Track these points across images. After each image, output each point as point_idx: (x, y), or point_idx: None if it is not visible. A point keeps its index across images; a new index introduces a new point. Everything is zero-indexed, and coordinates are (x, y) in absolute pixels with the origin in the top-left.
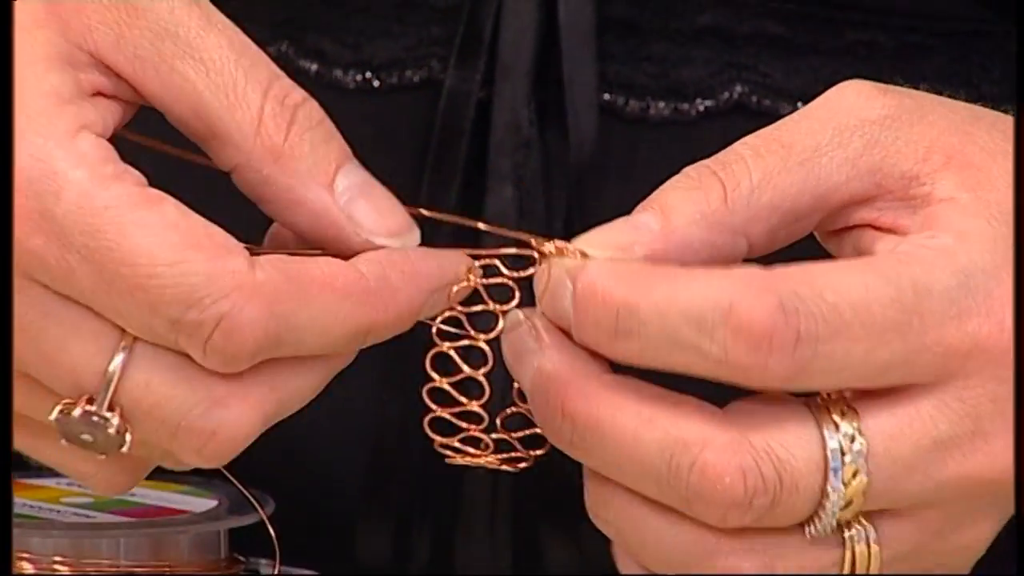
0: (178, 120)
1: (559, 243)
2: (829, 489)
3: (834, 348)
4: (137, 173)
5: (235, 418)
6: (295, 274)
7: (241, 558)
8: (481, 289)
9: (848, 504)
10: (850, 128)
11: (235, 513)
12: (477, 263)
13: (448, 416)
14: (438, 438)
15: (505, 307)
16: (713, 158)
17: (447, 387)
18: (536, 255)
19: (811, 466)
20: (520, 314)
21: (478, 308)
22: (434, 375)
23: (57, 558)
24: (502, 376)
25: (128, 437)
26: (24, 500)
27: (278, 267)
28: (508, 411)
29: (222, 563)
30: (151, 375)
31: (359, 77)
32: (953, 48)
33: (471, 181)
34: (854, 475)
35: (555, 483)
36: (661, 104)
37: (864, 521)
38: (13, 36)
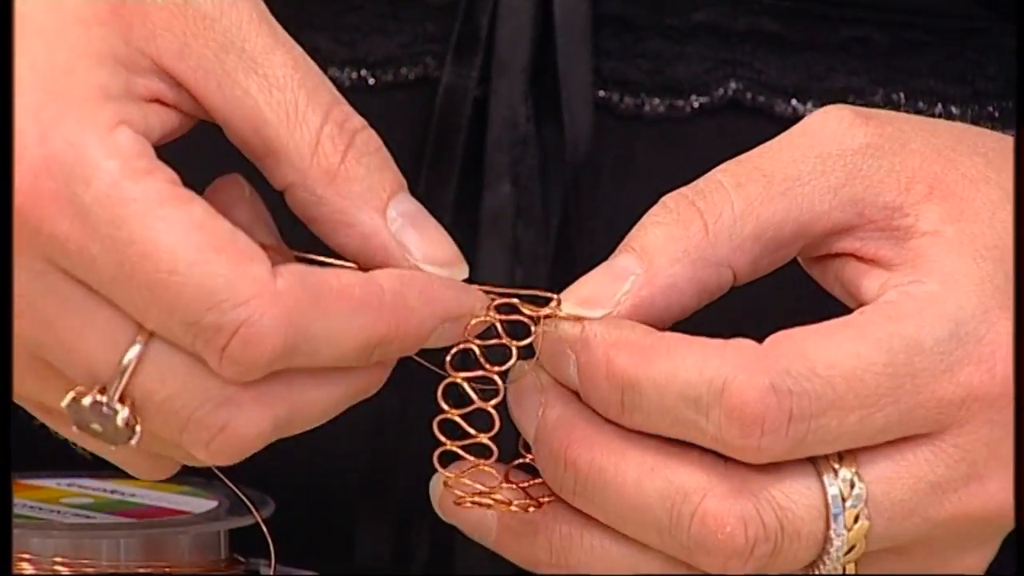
0: (236, 135)
1: (549, 307)
2: (832, 535)
3: (828, 421)
4: (170, 171)
5: (245, 416)
6: (313, 284)
7: (241, 559)
8: (498, 325)
9: (851, 549)
10: (832, 157)
11: (235, 514)
12: (494, 302)
13: (457, 449)
14: (447, 474)
15: (519, 342)
16: (691, 187)
17: (458, 419)
18: (531, 321)
19: (812, 513)
20: (525, 366)
21: (492, 342)
22: (445, 406)
23: (57, 559)
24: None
25: (138, 429)
26: (24, 501)
27: (298, 276)
28: (517, 461)
29: (222, 564)
30: (165, 369)
31: (354, 75)
32: (948, 44)
33: (468, 178)
34: (855, 520)
35: None
36: (656, 101)
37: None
38: (13, 36)
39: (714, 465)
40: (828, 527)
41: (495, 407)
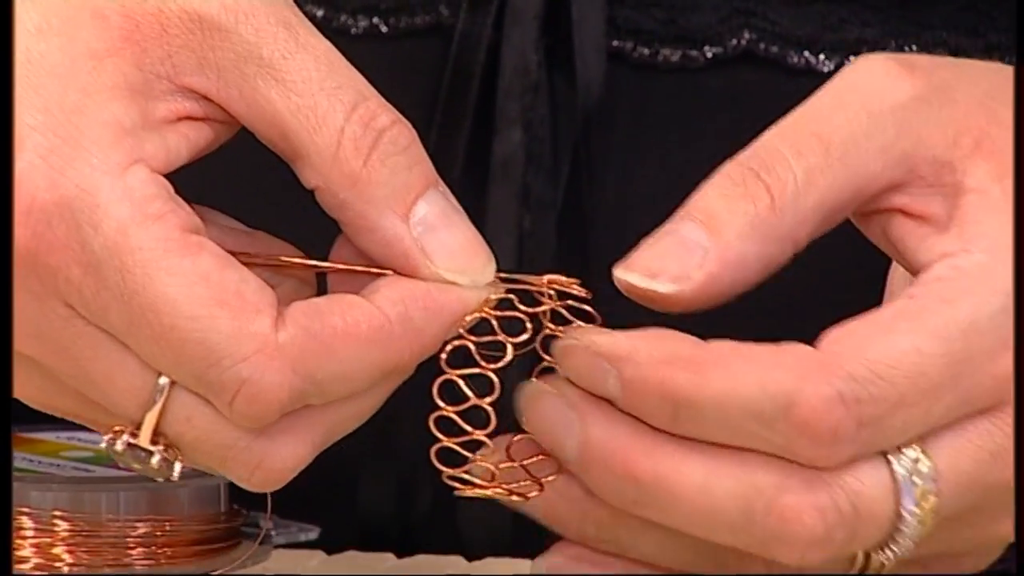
0: (267, 140)
1: (559, 281)
2: (904, 513)
3: (893, 421)
4: (185, 213)
5: (280, 449)
6: (318, 330)
7: (242, 511)
8: (494, 322)
9: (923, 524)
10: (882, 114)
11: None
12: (492, 295)
13: (454, 446)
14: (446, 470)
15: (515, 339)
16: (752, 156)
17: (454, 416)
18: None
19: (884, 491)
20: (542, 385)
21: (488, 339)
22: (441, 403)
23: (56, 512)
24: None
25: (177, 466)
26: (23, 454)
27: (301, 324)
28: (514, 439)
29: (222, 517)
30: (192, 411)
31: (366, 22)
32: None
33: (480, 126)
34: (924, 496)
35: None
36: (669, 51)
37: None
38: (13, 36)
39: (780, 459)
40: (899, 505)
41: (491, 403)
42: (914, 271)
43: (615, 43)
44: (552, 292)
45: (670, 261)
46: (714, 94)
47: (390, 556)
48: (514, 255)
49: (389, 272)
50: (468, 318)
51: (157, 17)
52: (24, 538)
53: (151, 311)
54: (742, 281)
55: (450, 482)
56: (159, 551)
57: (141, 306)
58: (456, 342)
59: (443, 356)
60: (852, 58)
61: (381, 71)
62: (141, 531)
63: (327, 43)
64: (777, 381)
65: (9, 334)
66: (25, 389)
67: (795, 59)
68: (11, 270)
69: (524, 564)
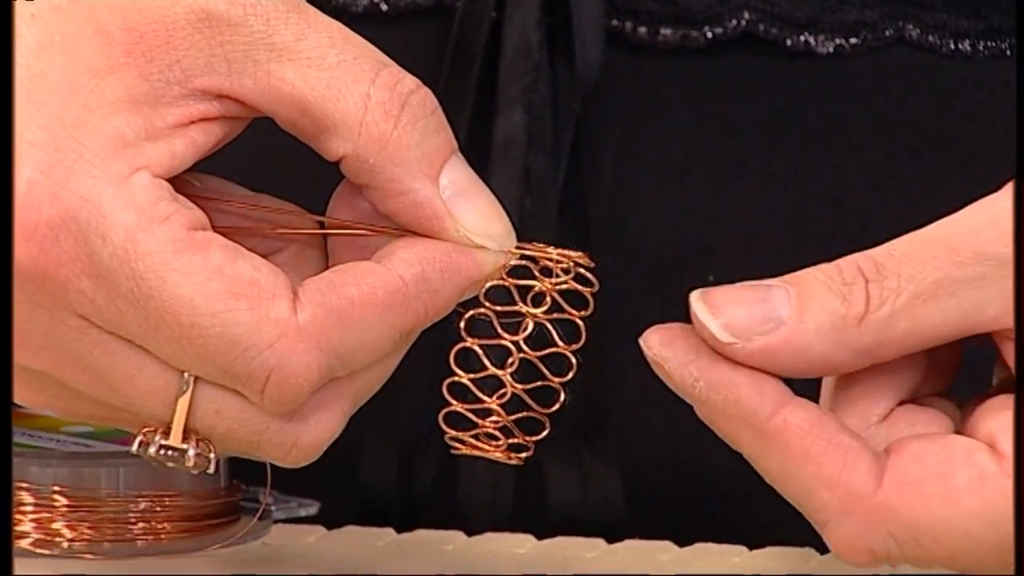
0: (287, 122)
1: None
2: None
3: (932, 567)
4: (191, 213)
5: (313, 425)
6: (336, 304)
7: (242, 486)
8: (514, 292)
9: None
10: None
11: None
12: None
13: (465, 411)
14: (450, 431)
15: (536, 310)
16: (879, 252)
17: (468, 383)
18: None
19: None
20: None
21: (508, 308)
22: (457, 370)
23: (56, 487)
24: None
25: (212, 457)
26: (23, 429)
27: (319, 301)
28: (505, 396)
29: (222, 492)
30: (220, 403)
31: (367, 1)
32: None
33: (481, 106)
34: None
35: (557, 411)
36: (668, 31)
37: None
38: (13, 36)
39: None
40: None
41: (508, 373)
42: None
43: (614, 23)
44: (562, 263)
45: (742, 311)
46: (713, 75)
47: (390, 531)
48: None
49: (399, 232)
50: (487, 284)
51: (162, 24)
52: (24, 513)
53: (169, 312)
54: (797, 370)
55: (451, 442)
56: (159, 526)
57: (158, 309)
58: (475, 310)
59: (461, 324)
60: (852, 40)
61: (382, 51)
62: (141, 506)
63: (337, 23)
64: (825, 501)
65: (9, 334)
66: (42, 400)
67: (794, 41)
68: (11, 271)
69: (524, 539)
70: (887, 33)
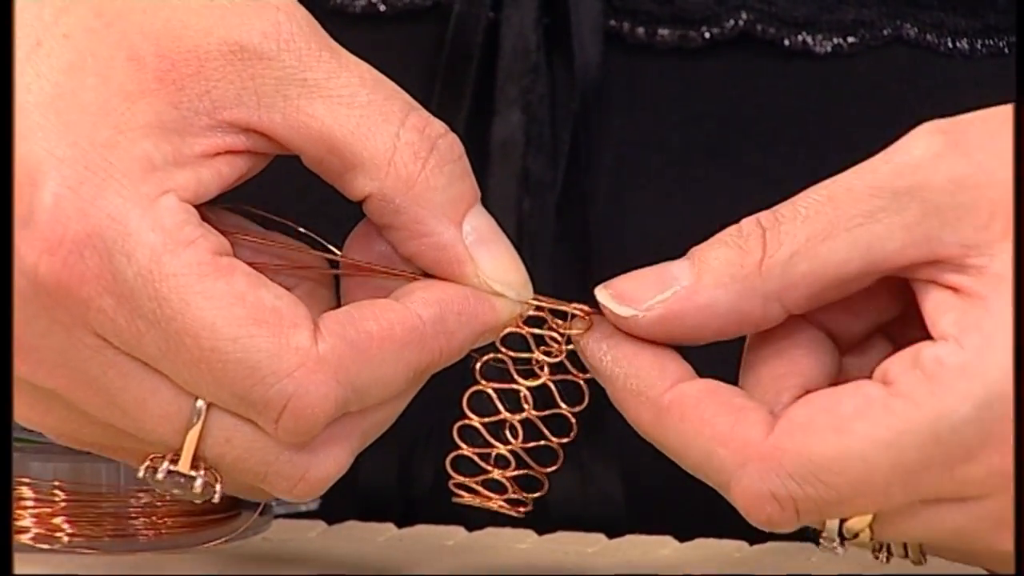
0: (311, 160)
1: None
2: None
3: (836, 511)
4: (215, 238)
5: (322, 460)
6: (355, 337)
7: None
8: (530, 339)
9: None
10: (911, 192)
11: None
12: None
13: (473, 455)
14: (457, 477)
15: (550, 359)
16: (775, 209)
17: (479, 426)
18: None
19: None
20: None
21: (524, 355)
22: (470, 415)
23: (57, 482)
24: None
25: (218, 487)
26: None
27: (339, 333)
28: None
29: None
30: (231, 432)
31: (364, 2)
32: None
33: (479, 106)
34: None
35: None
36: (667, 31)
37: None
38: (13, 36)
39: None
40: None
41: (520, 421)
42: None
43: (612, 23)
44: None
45: (641, 289)
46: (711, 75)
47: (390, 527)
48: (514, 236)
49: (414, 275)
50: (504, 331)
51: (195, 53)
52: (24, 508)
53: (189, 336)
54: (712, 326)
55: (455, 489)
56: (159, 521)
57: (178, 331)
58: (492, 355)
59: (477, 367)
60: (850, 39)
61: (379, 52)
62: (141, 502)
63: (367, 65)
64: (721, 458)
65: (9, 334)
66: (47, 421)
67: (792, 40)
68: (11, 273)
69: (525, 535)
70: (885, 32)
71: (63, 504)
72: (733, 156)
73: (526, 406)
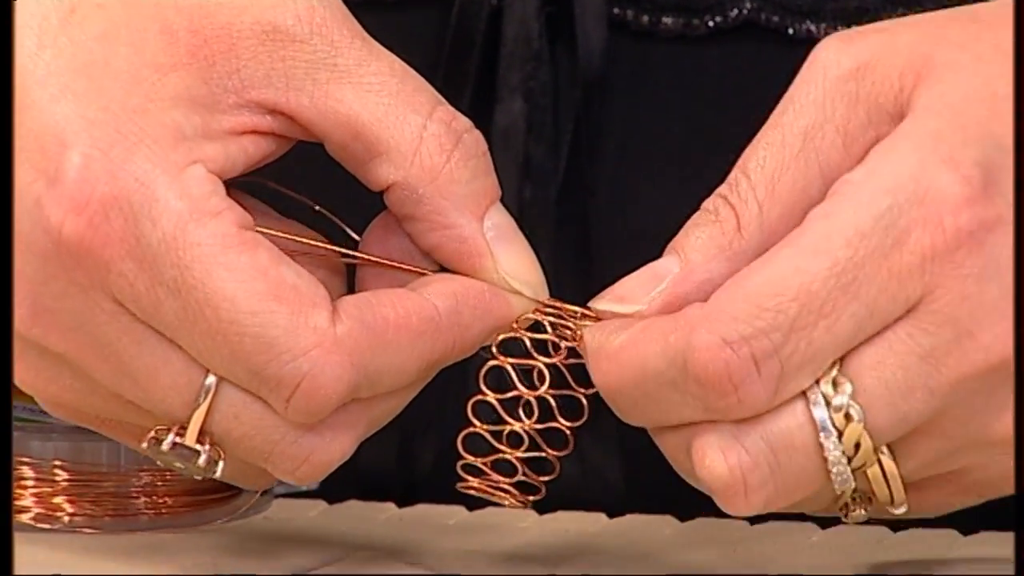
0: (335, 145)
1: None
2: (824, 443)
3: (796, 346)
4: (241, 211)
5: (327, 443)
6: (372, 322)
7: None
8: (547, 325)
9: (857, 448)
10: (830, 95)
11: None
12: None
13: (486, 434)
14: (468, 456)
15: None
16: (726, 183)
17: (494, 402)
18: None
19: (801, 428)
20: None
21: (541, 336)
22: (486, 390)
23: (57, 462)
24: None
25: (220, 465)
26: (24, 404)
27: (357, 317)
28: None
29: None
30: (240, 408)
31: None
32: None
33: (481, 94)
34: (846, 418)
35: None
36: (670, 19)
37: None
38: (13, 36)
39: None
40: (818, 437)
41: (536, 398)
42: None
43: (616, 11)
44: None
45: (638, 287)
46: (715, 64)
47: (391, 506)
48: None
49: (428, 271)
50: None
51: (227, 31)
52: (24, 488)
53: (209, 306)
54: None
55: (463, 473)
56: (160, 501)
57: (198, 301)
58: (509, 333)
59: (494, 346)
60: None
61: (382, 39)
62: (142, 481)
63: (398, 58)
64: (672, 345)
65: (9, 332)
66: (50, 389)
67: (796, 29)
68: (11, 270)
69: (526, 514)
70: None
71: (64, 484)
72: (736, 145)
73: (539, 384)
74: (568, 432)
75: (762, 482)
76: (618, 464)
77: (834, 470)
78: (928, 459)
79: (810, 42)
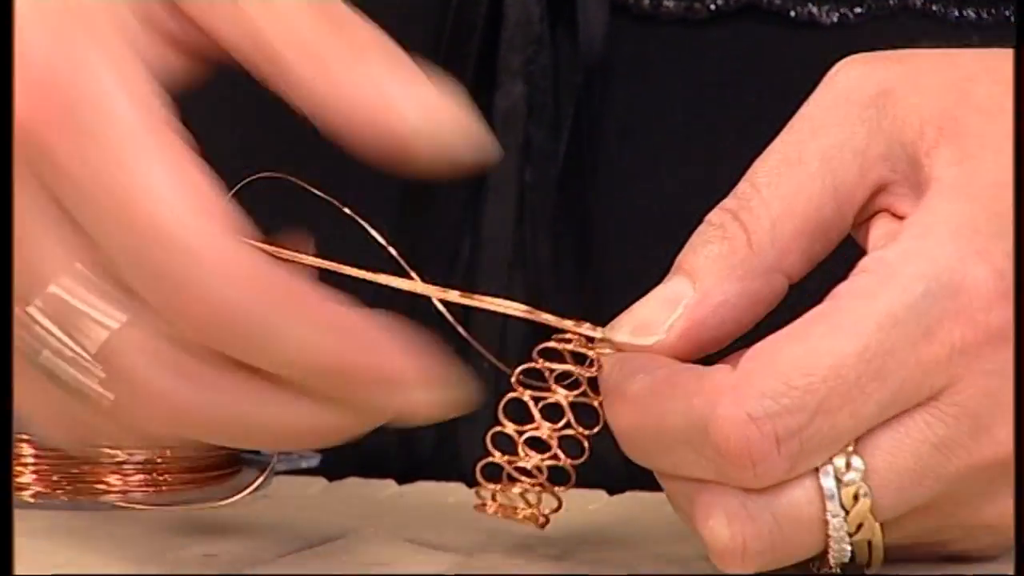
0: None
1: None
2: (829, 518)
3: (819, 428)
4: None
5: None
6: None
7: None
8: (567, 355)
9: (859, 527)
10: (850, 119)
11: None
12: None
13: (504, 464)
14: (496, 454)
15: (589, 371)
16: (733, 196)
17: (513, 434)
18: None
19: (809, 501)
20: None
21: (559, 367)
22: (505, 421)
23: None
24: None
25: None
26: None
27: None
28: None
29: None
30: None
31: None
32: None
33: (481, 77)
34: (855, 498)
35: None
36: (672, 2)
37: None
38: (13, 36)
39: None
40: (824, 511)
41: (554, 430)
42: None
43: None
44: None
45: (654, 316)
46: (717, 46)
47: (391, 483)
48: (515, 207)
49: (415, 279)
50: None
51: None
52: (24, 465)
53: (123, 188)
54: (732, 320)
55: (481, 495)
56: (159, 478)
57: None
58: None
59: (513, 377)
60: (856, 9)
61: (382, 22)
62: (141, 458)
63: None
64: (695, 408)
65: (9, 332)
66: None
67: (798, 11)
68: (11, 270)
69: None
70: (891, 2)
71: (63, 461)
72: (738, 128)
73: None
74: (584, 439)
75: (762, 551)
76: (618, 448)
77: (835, 546)
78: (914, 532)
79: (812, 25)
